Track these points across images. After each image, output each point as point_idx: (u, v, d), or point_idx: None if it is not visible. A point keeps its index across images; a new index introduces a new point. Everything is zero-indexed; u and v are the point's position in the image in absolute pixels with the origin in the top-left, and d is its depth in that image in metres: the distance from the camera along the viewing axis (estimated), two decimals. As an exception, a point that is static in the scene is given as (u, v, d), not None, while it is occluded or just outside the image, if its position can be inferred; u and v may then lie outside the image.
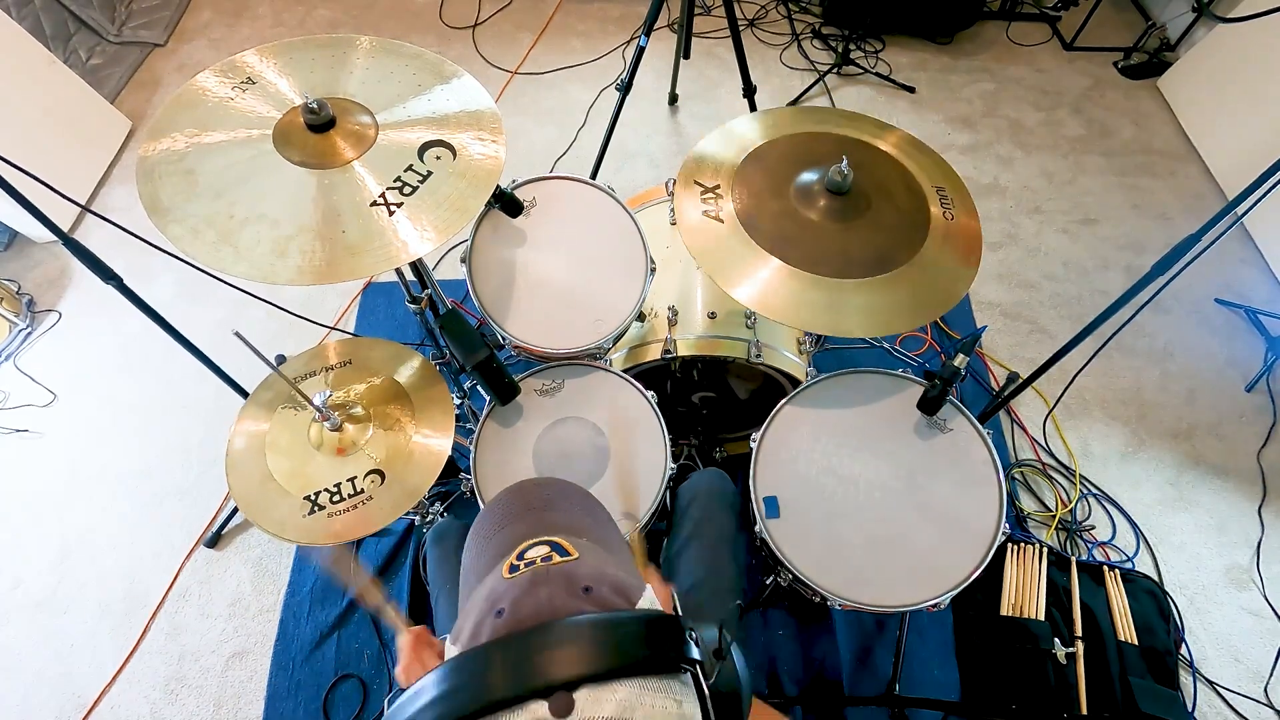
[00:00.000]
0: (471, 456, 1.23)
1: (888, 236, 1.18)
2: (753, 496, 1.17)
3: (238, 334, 0.95)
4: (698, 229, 1.18)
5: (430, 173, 1.05)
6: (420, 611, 1.59)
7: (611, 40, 2.91)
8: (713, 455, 1.70)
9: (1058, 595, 1.58)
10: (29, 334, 2.10)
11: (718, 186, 1.22)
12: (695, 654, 0.45)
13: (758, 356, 1.38)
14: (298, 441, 1.21)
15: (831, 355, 2.00)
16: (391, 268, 1.02)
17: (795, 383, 1.38)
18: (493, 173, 1.08)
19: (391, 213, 1.01)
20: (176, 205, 0.99)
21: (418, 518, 1.41)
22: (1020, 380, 1.59)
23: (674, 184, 1.24)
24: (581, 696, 0.41)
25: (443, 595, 1.14)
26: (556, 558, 0.52)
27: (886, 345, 2.04)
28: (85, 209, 1.27)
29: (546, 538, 0.54)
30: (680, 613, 0.55)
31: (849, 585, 1.10)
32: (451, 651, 0.50)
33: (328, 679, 1.55)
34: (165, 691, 1.57)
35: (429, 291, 1.44)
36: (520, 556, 0.53)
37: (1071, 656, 1.47)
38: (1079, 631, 1.51)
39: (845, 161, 1.15)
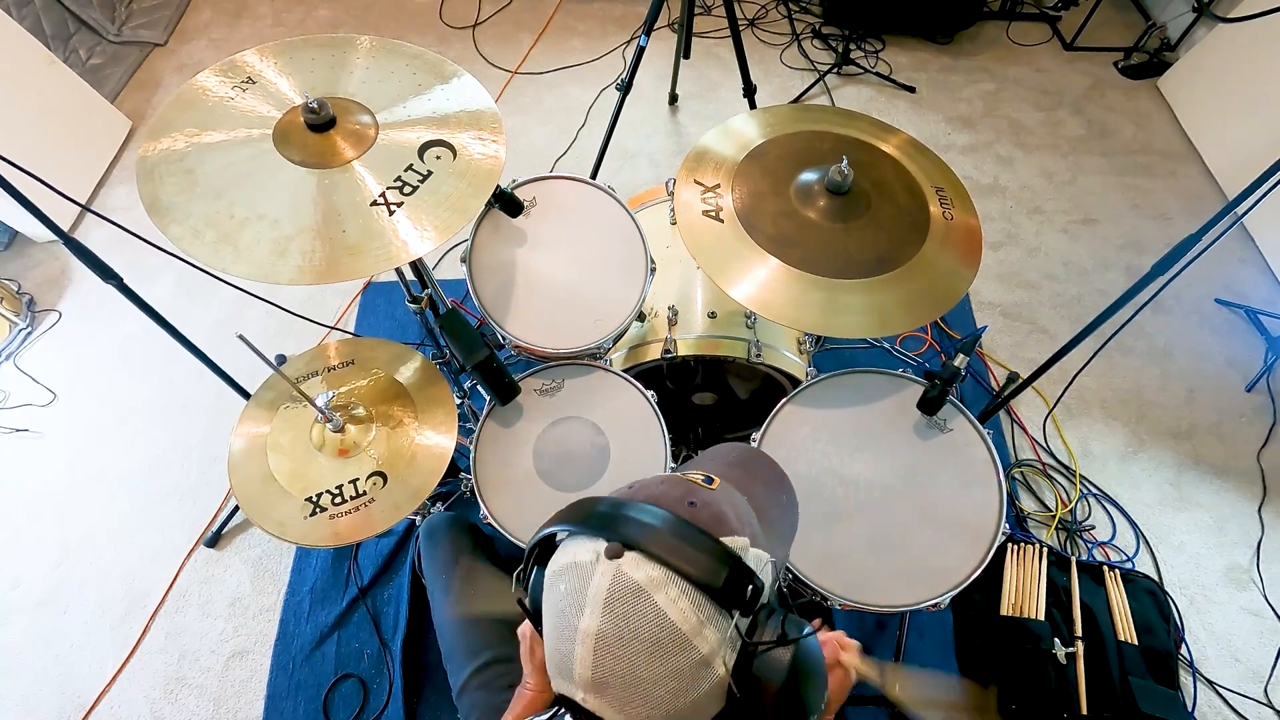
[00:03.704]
0: (471, 456, 1.23)
1: (888, 236, 1.18)
2: (753, 496, 1.17)
3: (241, 336, 0.95)
4: (697, 228, 1.18)
5: (430, 172, 1.05)
6: (421, 608, 1.59)
7: (611, 40, 2.91)
8: (713, 455, 1.70)
9: (1058, 595, 1.58)
10: (29, 334, 2.10)
11: (718, 185, 1.22)
12: (742, 609, 0.51)
13: (758, 356, 1.38)
14: (300, 442, 1.21)
15: (831, 355, 2.00)
16: (391, 267, 1.02)
17: (795, 383, 1.38)
18: (493, 173, 1.08)
19: (391, 212, 1.01)
20: (177, 205, 0.99)
21: (419, 518, 1.41)
22: (1020, 380, 1.59)
23: (674, 184, 1.24)
24: (631, 556, 0.51)
25: (438, 587, 1.14)
26: (700, 481, 0.60)
27: (886, 345, 2.04)
28: (85, 209, 1.27)
29: (716, 475, 0.62)
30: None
31: (849, 585, 1.10)
32: None
33: (328, 679, 1.55)
34: (165, 691, 1.57)
35: (429, 291, 1.44)
36: (684, 472, 0.63)
37: (1071, 656, 1.47)
38: (1079, 631, 1.51)
39: (845, 161, 1.15)
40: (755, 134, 1.30)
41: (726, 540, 0.53)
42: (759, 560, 0.54)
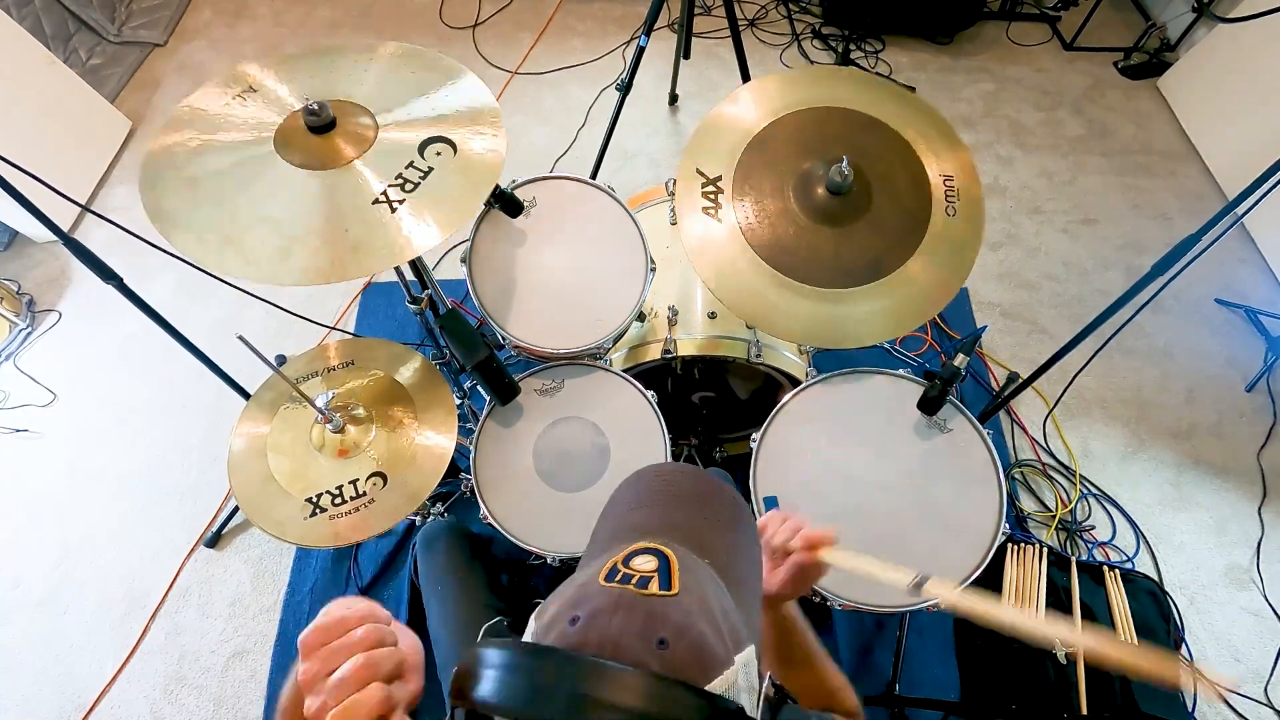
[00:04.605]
0: (471, 456, 1.23)
1: (884, 240, 1.17)
2: (753, 496, 1.17)
3: (241, 337, 0.95)
4: (699, 242, 1.17)
5: (431, 169, 1.05)
6: (421, 609, 1.59)
7: (611, 40, 2.91)
8: (713, 455, 1.70)
9: (1058, 595, 1.58)
10: (29, 334, 2.10)
11: (719, 179, 1.21)
12: None
13: (758, 356, 1.38)
14: (299, 442, 1.21)
15: (831, 355, 2.00)
16: (397, 264, 1.01)
17: (795, 382, 1.38)
18: (493, 166, 1.07)
19: (394, 210, 1.01)
20: (180, 212, 0.98)
21: (419, 518, 1.41)
22: (1020, 380, 1.59)
23: (674, 184, 1.24)
24: None
25: (434, 600, 1.13)
26: (655, 586, 0.47)
27: (886, 345, 2.04)
28: (85, 209, 1.27)
29: (663, 547, 0.50)
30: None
31: (849, 585, 1.10)
32: (532, 627, 0.49)
33: (328, 679, 1.55)
34: (165, 691, 1.57)
35: (429, 291, 1.44)
36: (628, 560, 0.49)
37: (1071, 656, 1.47)
38: (1079, 631, 1.51)
39: (845, 162, 1.14)
40: (768, 106, 1.26)
41: (717, 683, 0.44)
42: (748, 673, 0.46)
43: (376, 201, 1.01)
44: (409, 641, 0.56)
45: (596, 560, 0.52)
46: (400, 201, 1.01)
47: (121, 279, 1.25)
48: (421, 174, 1.04)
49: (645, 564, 0.48)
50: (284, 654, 1.58)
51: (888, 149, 1.25)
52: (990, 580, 1.61)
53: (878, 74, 2.75)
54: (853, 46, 2.80)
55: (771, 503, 1.16)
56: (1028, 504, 1.79)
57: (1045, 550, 1.64)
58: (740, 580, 0.54)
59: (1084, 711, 1.40)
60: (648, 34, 1.99)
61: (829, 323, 1.14)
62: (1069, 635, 0.62)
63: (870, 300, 1.15)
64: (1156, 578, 1.67)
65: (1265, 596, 1.66)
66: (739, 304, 1.14)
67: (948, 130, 1.29)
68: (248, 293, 1.60)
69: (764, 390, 1.63)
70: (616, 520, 0.60)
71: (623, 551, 0.50)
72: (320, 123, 1.03)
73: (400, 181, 1.03)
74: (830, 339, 1.15)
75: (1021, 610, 0.66)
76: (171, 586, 1.69)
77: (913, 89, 2.72)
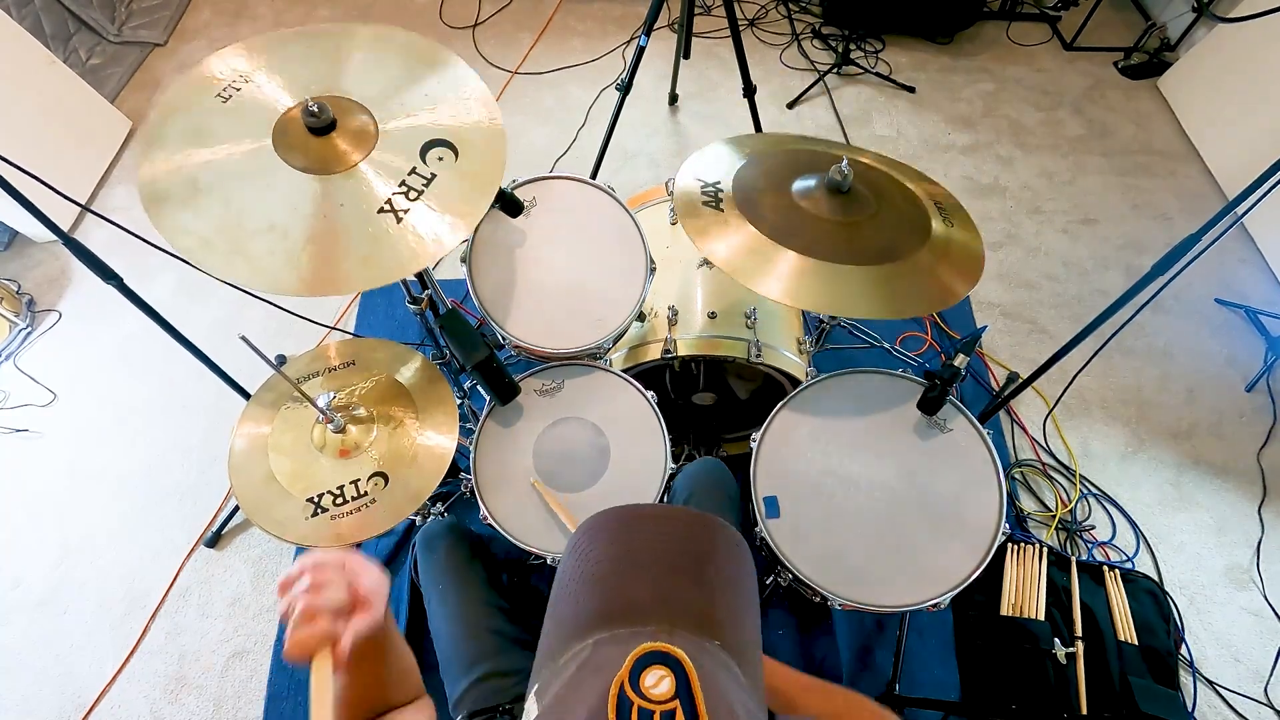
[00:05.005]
0: (471, 456, 1.23)
1: (890, 234, 1.17)
2: (753, 496, 1.17)
3: (244, 338, 0.95)
4: (697, 214, 1.17)
5: (434, 175, 1.05)
6: (421, 609, 1.59)
7: (611, 40, 2.91)
8: (712, 455, 1.71)
9: (1058, 595, 1.58)
10: (29, 334, 2.10)
11: (718, 183, 1.21)
12: None
13: (758, 356, 1.38)
14: (301, 442, 1.21)
15: (831, 355, 2.00)
16: (404, 276, 1.01)
17: (795, 383, 1.38)
18: (496, 165, 1.06)
19: (399, 220, 1.01)
20: (185, 216, 0.97)
21: (419, 518, 1.41)
22: (1020, 380, 1.59)
23: (674, 183, 1.24)
24: None
25: (434, 597, 1.14)
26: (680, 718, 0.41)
27: (886, 345, 2.04)
28: (85, 209, 1.27)
29: (674, 650, 0.43)
30: None
31: (849, 585, 1.10)
32: (531, 711, 0.44)
33: (328, 679, 1.55)
34: (165, 691, 1.57)
35: (429, 291, 1.44)
36: (636, 677, 0.42)
37: (1071, 656, 1.47)
38: (1079, 631, 1.51)
39: (845, 161, 1.14)
40: (742, 153, 1.28)
41: None
42: None
43: (382, 210, 1.00)
44: (371, 579, 0.60)
45: (584, 641, 0.46)
46: (405, 211, 1.01)
47: (121, 279, 1.25)
48: (425, 180, 1.04)
49: (661, 688, 0.42)
50: (284, 654, 1.58)
51: (873, 170, 1.28)
52: (990, 580, 1.61)
53: (877, 74, 2.75)
54: (852, 46, 2.80)
55: (771, 502, 1.16)
56: (1028, 504, 1.79)
57: (1045, 550, 1.64)
58: (746, 645, 0.49)
59: (1084, 711, 1.40)
60: (648, 34, 1.99)
61: (833, 285, 1.09)
62: None
63: (878, 279, 1.11)
64: (1156, 578, 1.67)
65: (1265, 596, 1.66)
66: (738, 268, 1.10)
67: (913, 173, 1.32)
68: (248, 292, 1.60)
69: (764, 390, 1.63)
70: (603, 584, 0.51)
71: (626, 659, 0.43)
72: (320, 124, 1.03)
73: (404, 190, 1.03)
74: (832, 306, 1.09)
75: None
76: (171, 586, 1.69)
77: (912, 89, 2.72)
